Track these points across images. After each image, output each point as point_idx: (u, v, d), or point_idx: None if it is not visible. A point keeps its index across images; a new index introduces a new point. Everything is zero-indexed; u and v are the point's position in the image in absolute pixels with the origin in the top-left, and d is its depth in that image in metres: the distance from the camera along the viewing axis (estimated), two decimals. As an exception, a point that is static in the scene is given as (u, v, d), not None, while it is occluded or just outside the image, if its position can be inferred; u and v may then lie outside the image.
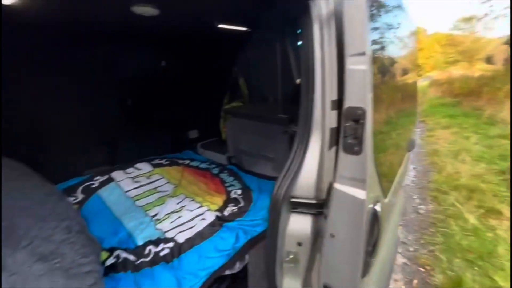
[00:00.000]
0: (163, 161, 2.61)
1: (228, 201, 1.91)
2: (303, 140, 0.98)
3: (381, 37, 1.08)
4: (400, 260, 2.38)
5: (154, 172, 2.40)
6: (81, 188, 2.05)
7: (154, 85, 2.94)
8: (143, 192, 2.05)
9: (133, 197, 1.99)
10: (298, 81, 1.74)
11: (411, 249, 2.56)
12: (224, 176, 2.34)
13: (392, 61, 1.37)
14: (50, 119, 2.22)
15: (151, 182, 2.21)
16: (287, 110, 2.32)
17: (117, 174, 2.28)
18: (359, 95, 0.73)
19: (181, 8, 1.74)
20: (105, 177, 2.23)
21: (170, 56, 2.79)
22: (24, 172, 1.48)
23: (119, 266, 1.34)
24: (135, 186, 2.13)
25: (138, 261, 1.37)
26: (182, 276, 1.30)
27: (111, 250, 1.41)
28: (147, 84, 2.87)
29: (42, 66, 2.10)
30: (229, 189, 2.09)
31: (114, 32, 2.27)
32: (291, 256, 1.03)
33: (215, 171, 2.46)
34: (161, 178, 2.29)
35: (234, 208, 1.81)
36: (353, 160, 0.77)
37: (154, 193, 2.06)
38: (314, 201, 0.96)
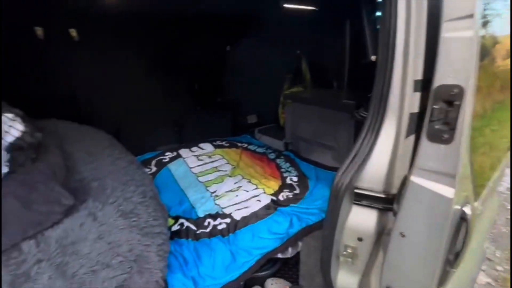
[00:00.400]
0: (223, 143, 2.74)
1: (284, 186, 1.90)
2: (374, 126, 0.86)
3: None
4: (483, 279, 2.01)
5: (215, 152, 2.54)
6: (154, 161, 2.32)
7: (219, 70, 3.08)
8: (205, 170, 2.21)
9: (197, 173, 2.16)
10: (373, 57, 1.54)
11: (498, 268, 2.13)
12: (280, 161, 2.33)
13: (495, 40, 1.09)
14: (127, 99, 2.55)
15: (212, 162, 2.36)
16: (353, 96, 2.14)
17: (184, 152, 2.50)
18: (457, 70, 0.59)
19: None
20: (174, 153, 2.47)
21: (233, 40, 2.85)
22: (113, 143, 1.73)
23: (182, 233, 1.48)
24: (199, 163, 2.31)
25: (198, 231, 1.49)
26: (236, 251, 1.36)
27: (176, 218, 1.58)
28: (212, 68, 3.02)
29: (120, 50, 2.38)
30: (285, 174, 2.08)
31: (183, 19, 2.42)
32: (349, 251, 0.96)
33: (272, 156, 2.47)
34: (221, 159, 2.42)
35: (289, 194, 1.79)
36: (440, 150, 0.64)
37: (215, 171, 2.19)
38: (382, 195, 0.86)
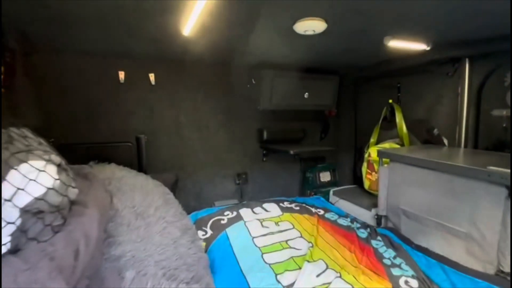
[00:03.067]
0: (292, 205, 2.21)
1: (399, 295, 1.20)
2: None
3: None
4: None
5: (284, 217, 2.01)
6: (211, 222, 1.90)
7: (292, 118, 2.75)
8: (272, 244, 1.66)
9: (261, 247, 1.62)
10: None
11: None
12: (377, 245, 1.65)
13: None
14: (191, 145, 2.34)
15: (280, 231, 1.81)
16: (502, 162, 1.44)
17: (245, 213, 2.04)
18: None
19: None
20: (234, 213, 2.03)
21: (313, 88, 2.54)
22: (168, 200, 1.40)
23: None
24: (263, 232, 1.79)
25: None
26: None
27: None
28: (283, 116, 2.70)
29: (190, 95, 2.27)
30: (394, 272, 1.37)
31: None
32: None
33: (362, 233, 1.80)
34: (292, 228, 1.86)
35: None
36: None
37: (285, 247, 1.63)
38: None
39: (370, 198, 2.37)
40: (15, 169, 0.61)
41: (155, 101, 2.14)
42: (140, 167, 1.97)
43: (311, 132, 2.91)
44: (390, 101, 2.46)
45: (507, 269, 1.30)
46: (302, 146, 2.62)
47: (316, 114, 2.83)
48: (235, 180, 2.57)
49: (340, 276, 1.33)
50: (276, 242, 1.69)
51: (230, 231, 1.81)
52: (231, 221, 1.92)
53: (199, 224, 1.86)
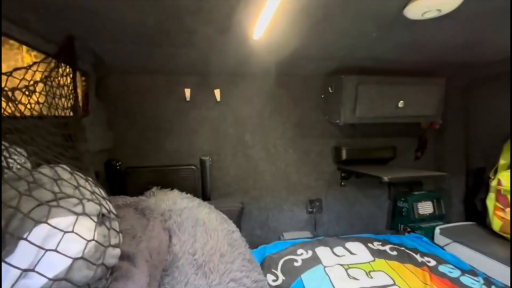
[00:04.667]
0: (386, 248, 1.69)
1: None
2: None
3: None
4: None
5: (377, 265, 1.53)
6: (281, 263, 1.56)
7: (378, 133, 2.24)
8: (368, 308, 1.21)
9: (352, 311, 1.19)
10: None
11: None
12: None
13: None
14: (257, 167, 2.07)
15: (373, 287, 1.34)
16: None
17: (324, 253, 1.64)
18: None
19: None
20: (310, 253, 1.65)
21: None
22: (233, 241, 1.12)
23: None
24: (351, 286, 1.35)
25: None
26: None
27: None
28: (366, 131, 2.22)
29: (258, 111, 2.05)
30: None
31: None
32: None
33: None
34: (393, 285, 1.36)
35: None
36: None
37: (388, 318, 1.15)
38: None
39: (504, 245, 1.65)
40: (25, 237, 0.41)
41: (220, 118, 1.98)
42: (204, 194, 1.80)
43: (403, 150, 2.32)
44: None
45: None
46: (393, 169, 2.06)
47: (409, 127, 2.24)
48: (307, 208, 2.18)
49: None
50: (372, 306, 1.23)
51: (307, 278, 1.43)
52: (307, 264, 1.55)
53: (268, 265, 1.54)
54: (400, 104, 1.84)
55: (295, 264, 1.56)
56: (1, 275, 0.48)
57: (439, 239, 1.94)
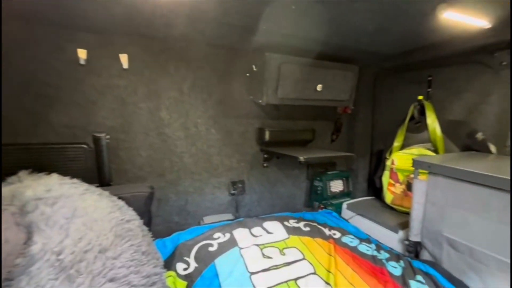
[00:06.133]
0: (301, 225, 1.77)
1: None
2: None
3: None
4: None
5: (290, 242, 1.57)
6: (196, 248, 1.45)
7: (300, 116, 2.30)
8: (276, 286, 1.22)
9: (262, 291, 1.18)
10: None
11: None
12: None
13: None
14: (172, 146, 1.88)
15: (287, 264, 1.38)
16: None
17: (241, 235, 1.60)
18: None
19: None
20: (227, 236, 1.58)
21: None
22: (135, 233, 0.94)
23: None
24: (265, 266, 1.35)
25: None
26: None
27: None
28: (289, 114, 2.25)
29: (173, 83, 1.82)
30: None
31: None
32: None
33: (395, 269, 1.37)
34: (302, 259, 1.42)
35: None
36: None
37: (294, 291, 1.19)
38: None
39: (394, 215, 1.94)
40: None
41: (128, 90, 1.67)
42: (102, 179, 1.51)
43: (321, 133, 2.47)
44: (420, 97, 2.02)
45: None
46: (311, 150, 2.17)
47: (327, 111, 2.39)
48: (229, 190, 2.11)
49: None
50: (282, 282, 1.24)
51: (221, 263, 1.36)
52: (223, 248, 1.48)
53: (180, 253, 1.41)
54: (319, 87, 1.90)
55: (210, 249, 1.47)
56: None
57: (346, 213, 2.17)
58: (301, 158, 1.75)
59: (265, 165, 2.24)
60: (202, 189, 2.01)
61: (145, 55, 1.67)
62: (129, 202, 1.24)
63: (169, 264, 1.31)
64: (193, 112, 1.90)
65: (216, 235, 1.60)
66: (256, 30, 1.52)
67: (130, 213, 1.06)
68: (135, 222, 1.03)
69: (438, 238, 1.44)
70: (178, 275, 1.25)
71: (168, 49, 1.72)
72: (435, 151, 1.90)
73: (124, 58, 1.61)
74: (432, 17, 1.27)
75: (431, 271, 1.34)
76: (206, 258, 1.39)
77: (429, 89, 2.04)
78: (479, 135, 1.77)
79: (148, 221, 1.69)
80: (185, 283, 1.22)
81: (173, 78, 1.79)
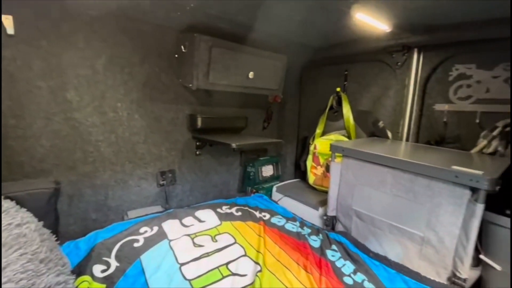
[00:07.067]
0: (233, 210, 1.81)
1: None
2: None
3: None
4: None
5: (223, 228, 1.59)
6: (118, 247, 1.32)
7: (232, 103, 2.29)
8: (208, 273, 1.22)
9: (193, 280, 1.17)
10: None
11: None
12: (335, 258, 1.40)
13: None
14: (90, 136, 1.63)
15: (218, 250, 1.39)
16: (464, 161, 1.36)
17: (171, 226, 1.53)
18: None
19: None
20: (155, 229, 1.49)
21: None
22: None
23: None
24: (196, 255, 1.33)
25: None
26: None
27: None
28: (221, 101, 2.22)
29: (89, 66, 1.57)
30: (359, 294, 1.14)
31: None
32: None
33: (315, 241, 1.54)
34: (234, 243, 1.46)
35: None
36: None
37: (226, 275, 1.22)
38: None
39: (316, 195, 2.18)
40: None
41: (17, 63, 1.33)
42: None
43: (253, 121, 2.52)
44: (338, 89, 2.27)
45: (464, 275, 1.22)
46: (244, 137, 2.20)
47: (259, 99, 2.45)
48: (158, 181, 1.97)
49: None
50: (213, 269, 1.25)
51: (148, 258, 1.27)
52: (150, 242, 1.38)
53: (98, 254, 1.25)
54: (250, 75, 1.92)
55: (135, 245, 1.35)
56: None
57: (275, 195, 2.31)
58: (234, 145, 1.75)
59: (197, 153, 2.17)
60: (126, 181, 1.82)
61: (40, 21, 1.35)
62: (23, 202, 1.02)
63: (83, 268, 1.15)
64: (111, 95, 1.66)
65: (142, 229, 1.48)
66: (183, 7, 1.41)
67: (23, 216, 0.87)
68: (30, 225, 0.85)
69: (349, 212, 1.68)
70: (95, 279, 1.12)
71: (73, 17, 1.43)
72: (349, 137, 2.19)
73: (8, 21, 1.27)
74: (348, 16, 1.41)
75: (343, 240, 1.56)
76: (130, 256, 1.27)
77: (345, 82, 2.31)
78: (381, 123, 2.11)
79: (54, 222, 1.45)
80: (103, 286, 1.10)
81: (83, 53, 1.52)
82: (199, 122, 2.04)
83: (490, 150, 1.54)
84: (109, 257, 1.25)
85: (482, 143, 1.58)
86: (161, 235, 1.44)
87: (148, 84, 1.79)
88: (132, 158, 1.82)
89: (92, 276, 1.13)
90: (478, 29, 1.49)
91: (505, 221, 1.25)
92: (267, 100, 2.53)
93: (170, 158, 2.01)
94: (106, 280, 1.13)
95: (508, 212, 1.25)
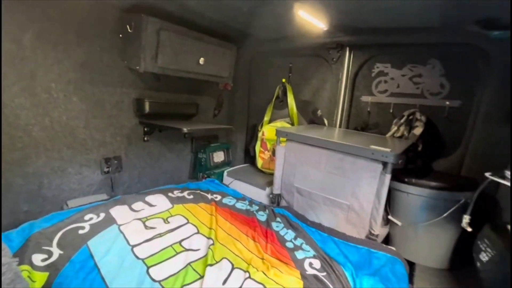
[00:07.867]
0: (185, 194, 1.85)
1: (308, 282, 1.15)
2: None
3: None
4: None
5: (175, 211, 1.63)
6: (59, 235, 1.25)
7: (183, 89, 2.27)
8: (161, 251, 1.27)
9: (146, 258, 1.20)
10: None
11: None
12: (279, 228, 1.60)
13: None
14: (18, 119, 1.47)
15: (171, 231, 1.44)
16: (380, 142, 1.66)
17: (119, 212, 1.51)
18: None
19: None
20: (102, 216, 1.45)
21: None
22: None
23: None
24: (148, 236, 1.35)
25: None
26: None
27: None
28: (171, 86, 2.19)
29: (13, 40, 1.40)
30: (298, 256, 1.34)
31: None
32: None
33: (262, 216, 1.71)
34: (186, 223, 1.53)
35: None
36: None
37: (179, 251, 1.29)
38: None
39: (263, 177, 2.36)
40: None
41: None
42: None
43: (204, 108, 2.55)
44: (284, 80, 2.46)
45: (377, 232, 1.53)
46: (195, 123, 2.22)
47: (210, 87, 2.48)
48: (102, 168, 1.87)
49: (250, 277, 1.15)
50: (166, 247, 1.30)
51: (96, 243, 1.25)
52: (97, 228, 1.35)
53: (36, 243, 1.18)
54: (201, 61, 1.94)
55: (80, 232, 1.31)
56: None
57: (226, 179, 2.42)
58: (185, 129, 1.78)
59: (146, 139, 2.11)
60: (64, 168, 1.68)
61: None
62: None
63: (20, 259, 1.08)
64: (43, 74, 1.50)
65: (87, 216, 1.42)
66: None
67: None
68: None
69: (291, 189, 1.89)
70: (35, 267, 1.06)
71: None
72: (292, 124, 2.41)
73: None
74: (292, 12, 1.56)
75: (286, 213, 1.77)
76: (75, 243, 1.23)
77: (290, 74, 2.51)
78: (319, 112, 2.38)
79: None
80: (45, 274, 1.06)
81: (4, 25, 1.34)
82: (147, 107, 1.99)
83: (399, 134, 1.92)
84: (50, 246, 1.19)
85: (393, 129, 1.95)
86: (109, 221, 1.41)
87: (88, 65, 1.67)
88: (71, 144, 1.69)
89: (32, 265, 1.07)
90: (393, 35, 1.82)
91: (405, 187, 1.61)
92: (217, 88, 2.58)
93: (116, 144, 1.92)
94: (48, 268, 1.08)
95: (406, 179, 1.61)
